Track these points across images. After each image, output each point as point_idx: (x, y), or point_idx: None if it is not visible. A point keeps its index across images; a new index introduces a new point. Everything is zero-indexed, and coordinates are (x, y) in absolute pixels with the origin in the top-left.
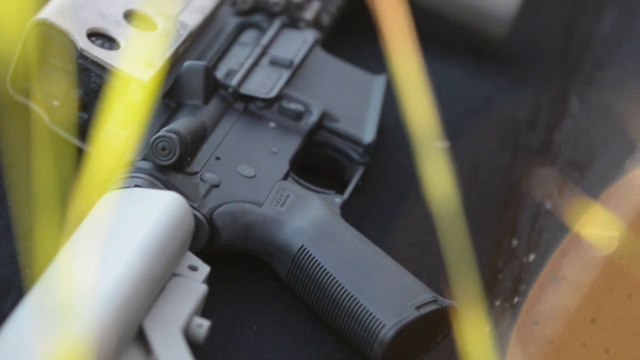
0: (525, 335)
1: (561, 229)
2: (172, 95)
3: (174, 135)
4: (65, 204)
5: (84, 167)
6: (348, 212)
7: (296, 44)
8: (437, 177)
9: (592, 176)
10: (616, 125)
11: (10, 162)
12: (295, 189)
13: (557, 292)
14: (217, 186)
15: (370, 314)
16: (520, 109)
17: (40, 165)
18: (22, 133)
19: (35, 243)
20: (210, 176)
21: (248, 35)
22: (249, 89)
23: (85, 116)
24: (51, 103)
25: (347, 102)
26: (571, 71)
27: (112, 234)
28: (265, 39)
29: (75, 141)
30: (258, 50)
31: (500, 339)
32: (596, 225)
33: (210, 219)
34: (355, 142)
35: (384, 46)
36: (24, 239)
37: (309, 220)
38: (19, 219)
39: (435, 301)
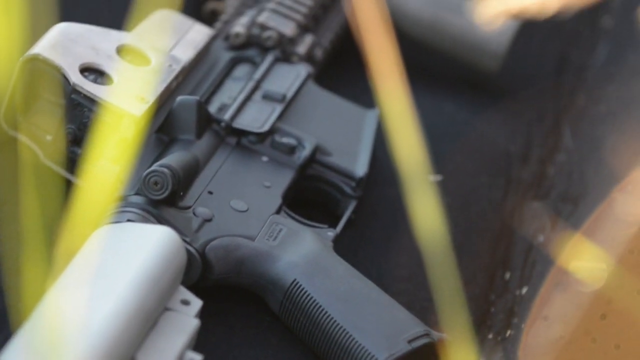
0: (536, 332)
1: (554, 263)
2: (165, 130)
3: (166, 170)
4: (55, 239)
5: (75, 202)
6: (341, 246)
7: (289, 78)
8: (427, 212)
9: (585, 209)
10: (609, 159)
11: (1, 198)
12: (287, 223)
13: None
14: (209, 220)
15: (363, 347)
16: (513, 143)
17: (29, 200)
18: (13, 169)
19: (25, 278)
20: (202, 210)
21: (241, 70)
22: (242, 123)
23: (79, 151)
24: (44, 138)
25: (339, 136)
26: (564, 105)
27: (104, 269)
28: (258, 74)
29: (68, 176)
30: (251, 85)
31: None
32: (585, 258)
33: (202, 253)
34: (347, 175)
35: (372, 81)
36: (13, 274)
37: (302, 254)
38: (8, 254)
39: (427, 335)
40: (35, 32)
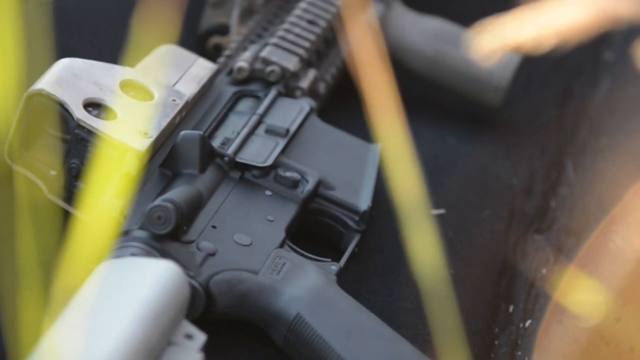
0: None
1: (557, 295)
2: (168, 164)
3: (169, 205)
4: (53, 274)
5: (77, 236)
6: (344, 279)
7: (292, 112)
8: (426, 246)
9: (588, 242)
10: (610, 191)
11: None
12: (291, 257)
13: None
14: (213, 254)
15: None
16: (516, 176)
17: (27, 235)
18: (13, 204)
19: (24, 315)
20: (206, 245)
21: (244, 104)
22: (245, 157)
23: (82, 185)
24: (48, 173)
25: (342, 170)
26: (566, 138)
27: (108, 303)
28: (261, 108)
29: (71, 210)
30: (254, 119)
31: None
32: (582, 291)
33: (206, 287)
34: (351, 209)
35: (369, 116)
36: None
37: (305, 288)
38: (6, 291)
39: None
40: (35, 67)
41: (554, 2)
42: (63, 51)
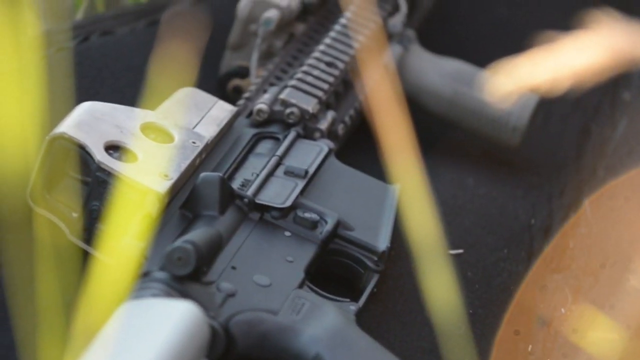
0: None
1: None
2: (188, 206)
3: (189, 246)
4: (73, 316)
5: (97, 278)
6: (363, 320)
7: (311, 154)
8: (442, 287)
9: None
10: (628, 231)
11: (22, 276)
12: (310, 297)
13: None
14: (233, 295)
15: None
16: (534, 216)
17: (46, 278)
18: (32, 247)
19: (43, 357)
20: (226, 285)
21: (263, 146)
22: (265, 199)
23: (103, 227)
24: (70, 215)
25: (361, 210)
26: (584, 178)
27: (128, 345)
28: (280, 150)
29: (93, 252)
30: (273, 161)
31: None
32: (599, 329)
33: (226, 328)
34: (369, 250)
35: (385, 158)
36: (30, 354)
37: (324, 328)
38: (25, 332)
39: None
40: (56, 111)
41: (568, 44)
42: (84, 95)
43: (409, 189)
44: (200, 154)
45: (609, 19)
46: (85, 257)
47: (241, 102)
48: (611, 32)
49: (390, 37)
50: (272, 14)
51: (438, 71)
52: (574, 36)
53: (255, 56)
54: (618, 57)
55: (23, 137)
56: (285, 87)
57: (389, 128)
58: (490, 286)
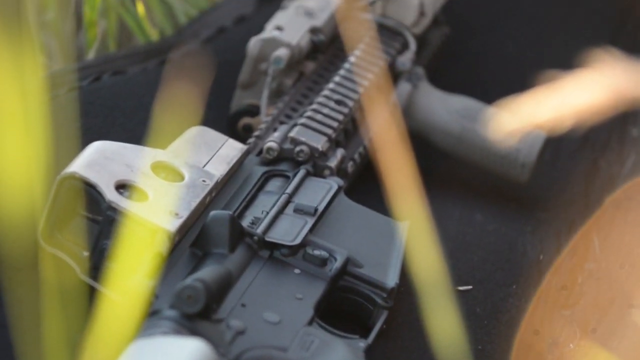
0: None
1: None
2: (198, 244)
3: (199, 285)
4: (84, 353)
5: (107, 316)
6: (372, 356)
7: (320, 192)
8: (449, 323)
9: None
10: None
11: (31, 317)
12: (319, 334)
13: None
14: (242, 333)
15: None
16: (543, 252)
17: (53, 317)
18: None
19: None
20: (236, 323)
21: (273, 184)
22: (274, 236)
23: (113, 265)
24: (81, 253)
25: (370, 247)
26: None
27: None
28: (290, 188)
29: (102, 290)
30: (283, 199)
31: None
32: None
33: None
34: (378, 286)
35: (392, 196)
36: None
37: None
38: None
39: None
40: (65, 150)
41: (572, 83)
42: (96, 134)
43: (416, 226)
44: (210, 192)
45: (612, 58)
46: (92, 296)
47: (251, 140)
48: (614, 72)
49: (399, 74)
50: (282, 52)
51: (446, 108)
52: (577, 75)
53: (265, 94)
54: (621, 96)
55: (29, 179)
56: (295, 125)
57: (395, 166)
58: (499, 322)
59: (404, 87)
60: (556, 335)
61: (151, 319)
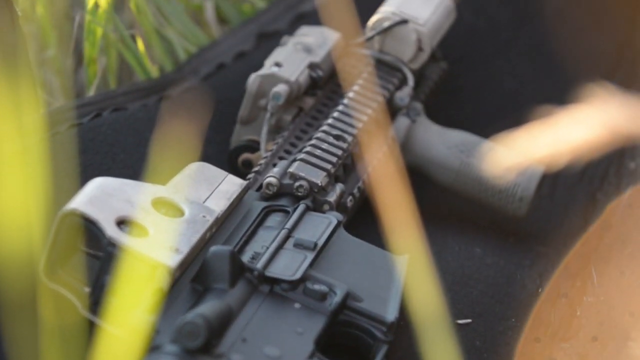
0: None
1: None
2: (199, 280)
3: (200, 320)
4: None
5: (108, 351)
6: None
7: (320, 226)
8: (447, 358)
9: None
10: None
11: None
12: None
13: None
14: None
15: None
16: (541, 285)
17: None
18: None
19: None
20: (237, 358)
21: (273, 219)
22: (274, 271)
23: (114, 301)
24: (82, 289)
25: (370, 281)
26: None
27: None
28: (289, 223)
29: (103, 325)
30: (283, 234)
31: None
32: None
33: None
34: (378, 320)
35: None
36: None
37: None
38: None
39: None
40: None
41: (567, 118)
42: (96, 170)
43: (414, 260)
44: (210, 227)
45: (608, 93)
46: (91, 333)
47: (251, 175)
48: (610, 107)
49: (398, 109)
50: (281, 88)
51: (445, 143)
52: (574, 110)
53: (264, 130)
54: (616, 132)
55: (28, 217)
56: (294, 160)
57: (393, 201)
58: (498, 355)
59: (403, 122)
60: None
61: (152, 354)
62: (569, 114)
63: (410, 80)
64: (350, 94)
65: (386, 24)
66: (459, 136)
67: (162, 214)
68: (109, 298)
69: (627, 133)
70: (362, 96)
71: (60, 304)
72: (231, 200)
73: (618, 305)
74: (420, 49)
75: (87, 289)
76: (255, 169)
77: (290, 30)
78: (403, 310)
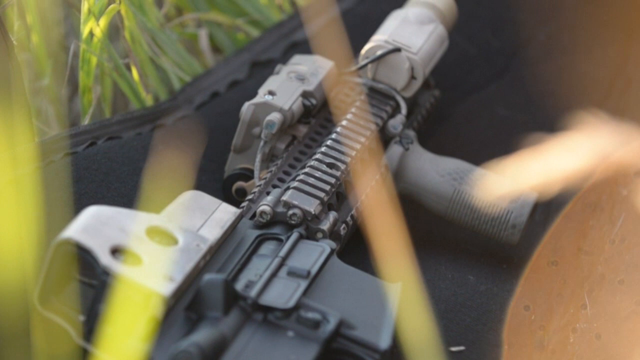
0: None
1: None
2: (193, 308)
3: (194, 349)
4: None
5: None
6: None
7: (313, 254)
8: None
9: None
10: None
11: None
12: None
13: None
14: None
15: None
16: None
17: None
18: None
19: None
20: None
21: (267, 247)
22: (268, 300)
23: (109, 329)
24: (77, 317)
25: (363, 309)
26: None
27: None
28: (283, 251)
29: (98, 354)
30: (276, 262)
31: None
32: None
33: None
34: (372, 348)
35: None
36: None
37: None
38: None
39: None
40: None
41: (557, 146)
42: (91, 199)
43: (407, 288)
44: (204, 256)
45: (599, 121)
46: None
47: (244, 204)
48: (601, 135)
49: (391, 137)
50: (274, 117)
51: (438, 170)
52: (565, 138)
53: (258, 158)
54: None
55: (21, 246)
56: (288, 188)
57: (385, 229)
58: None
59: (396, 149)
60: None
61: None
62: (560, 141)
63: (403, 108)
64: (344, 122)
65: (379, 52)
66: (451, 164)
67: (156, 243)
68: (103, 326)
69: (617, 161)
70: (355, 124)
71: (54, 333)
72: (225, 228)
73: (611, 332)
74: (413, 77)
75: (81, 317)
76: (249, 197)
77: (284, 58)
78: (396, 338)
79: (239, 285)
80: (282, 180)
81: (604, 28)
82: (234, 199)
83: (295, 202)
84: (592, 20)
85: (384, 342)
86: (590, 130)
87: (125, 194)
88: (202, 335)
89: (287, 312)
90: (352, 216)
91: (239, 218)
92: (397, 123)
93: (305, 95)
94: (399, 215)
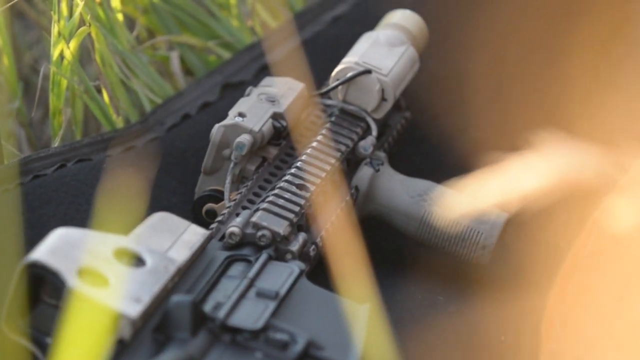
0: None
1: None
2: (160, 329)
3: None
4: None
5: None
6: None
7: (282, 276)
8: None
9: None
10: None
11: None
12: None
13: None
14: None
15: None
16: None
17: None
18: None
19: None
20: None
21: (236, 269)
22: (236, 321)
23: (76, 352)
24: (44, 340)
25: (332, 330)
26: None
27: None
28: (252, 272)
29: None
30: (245, 283)
31: None
32: None
33: None
34: None
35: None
36: None
37: None
38: None
39: None
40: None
41: (515, 165)
42: (60, 221)
43: (373, 309)
44: (172, 277)
45: (557, 141)
46: None
47: (214, 225)
48: (559, 155)
49: (361, 158)
50: (244, 138)
51: (408, 192)
52: (522, 158)
53: (228, 180)
54: (563, 183)
55: None
56: (257, 210)
57: (352, 251)
58: None
59: (366, 171)
60: None
61: None
62: (519, 160)
63: (374, 130)
64: (314, 144)
65: (350, 74)
66: (422, 185)
67: (124, 264)
68: (70, 348)
69: (575, 180)
70: (325, 146)
71: (21, 356)
72: (193, 250)
73: (580, 352)
74: (383, 98)
75: (49, 340)
76: (219, 218)
77: (255, 81)
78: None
79: (208, 307)
80: (251, 202)
81: (575, 47)
82: (205, 220)
83: (264, 224)
84: (563, 40)
85: None
86: (548, 149)
87: (94, 216)
88: (170, 357)
89: (256, 333)
90: (321, 237)
91: (208, 239)
92: (367, 144)
93: (275, 117)
94: (367, 237)
